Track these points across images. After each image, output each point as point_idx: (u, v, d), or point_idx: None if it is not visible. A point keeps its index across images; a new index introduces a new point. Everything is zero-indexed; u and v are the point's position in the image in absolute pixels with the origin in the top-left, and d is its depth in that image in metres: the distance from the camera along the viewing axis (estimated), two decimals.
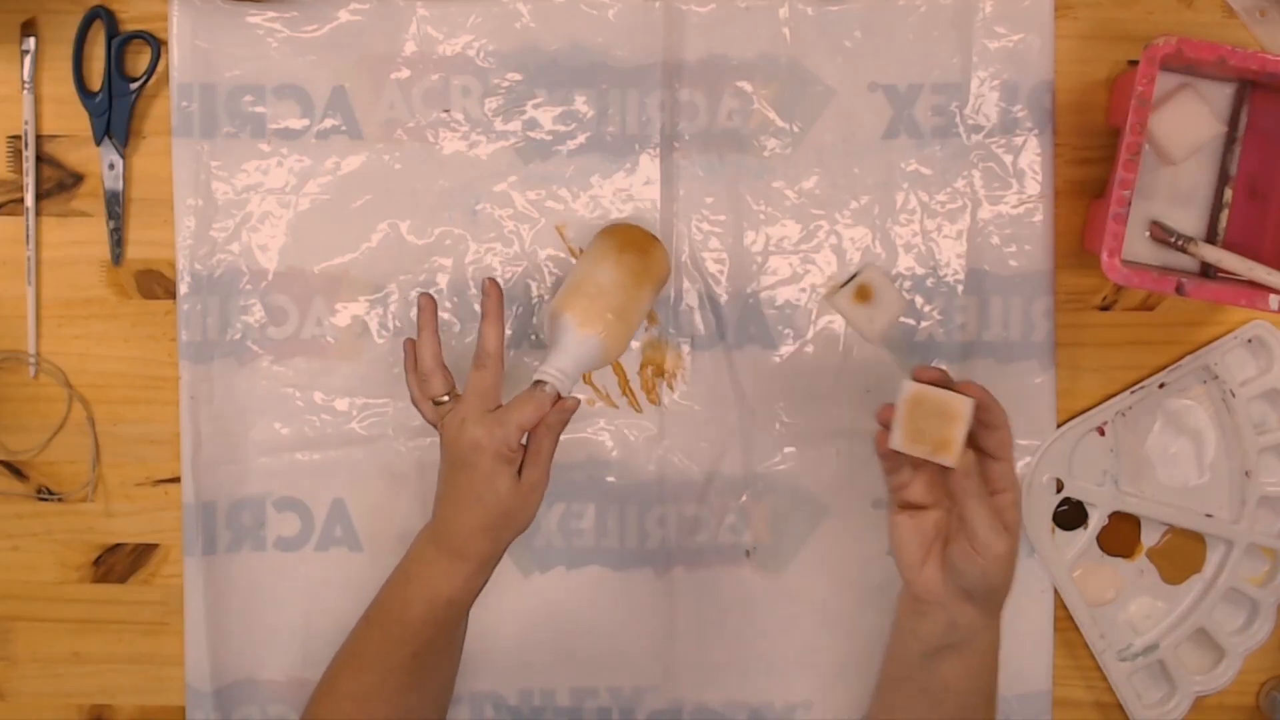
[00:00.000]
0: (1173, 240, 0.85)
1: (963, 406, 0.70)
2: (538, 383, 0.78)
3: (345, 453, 0.90)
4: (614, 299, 0.80)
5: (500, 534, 0.77)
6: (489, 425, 0.76)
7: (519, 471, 0.77)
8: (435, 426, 0.81)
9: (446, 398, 0.80)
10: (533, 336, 0.89)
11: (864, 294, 0.88)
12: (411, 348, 0.82)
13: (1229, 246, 0.85)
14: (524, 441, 0.77)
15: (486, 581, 0.79)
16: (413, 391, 0.82)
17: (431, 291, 0.89)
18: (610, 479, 0.90)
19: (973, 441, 0.71)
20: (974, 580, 0.71)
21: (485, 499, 0.75)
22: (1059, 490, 0.89)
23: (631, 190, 0.89)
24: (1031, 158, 0.88)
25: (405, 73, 0.88)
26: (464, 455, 0.76)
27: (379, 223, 0.89)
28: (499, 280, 0.87)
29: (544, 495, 0.78)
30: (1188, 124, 0.85)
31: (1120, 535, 0.90)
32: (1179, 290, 0.80)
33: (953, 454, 0.70)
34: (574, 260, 0.89)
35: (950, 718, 0.75)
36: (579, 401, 0.79)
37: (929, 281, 0.89)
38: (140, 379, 0.90)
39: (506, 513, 0.76)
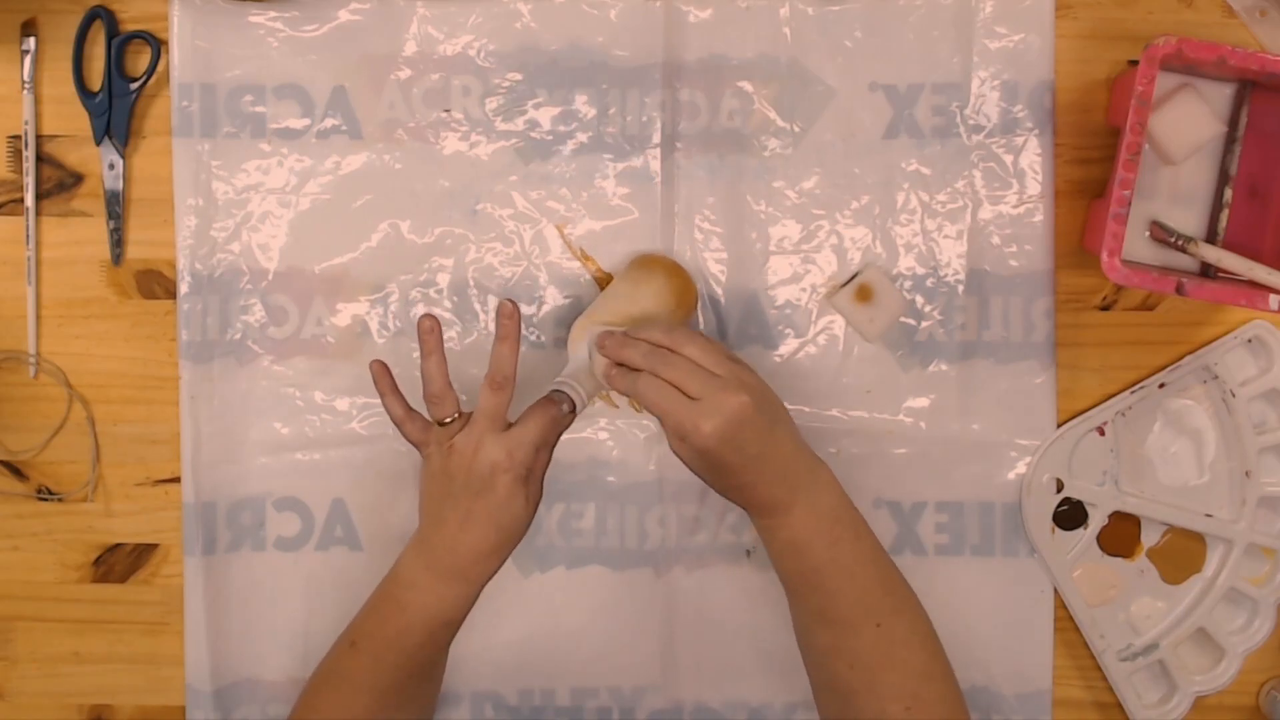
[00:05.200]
0: (1173, 240, 0.85)
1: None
2: (554, 392, 0.78)
3: (345, 453, 0.90)
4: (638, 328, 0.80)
5: (506, 554, 0.78)
6: (507, 447, 0.75)
7: None
8: (419, 447, 0.80)
9: (452, 419, 0.79)
10: (532, 337, 0.89)
11: (864, 294, 0.88)
12: (381, 370, 0.81)
13: (1229, 246, 0.85)
14: None
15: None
16: (394, 412, 0.80)
17: (431, 292, 0.89)
18: (610, 479, 0.90)
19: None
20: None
21: (502, 521, 0.76)
22: (1059, 490, 0.89)
23: (632, 190, 0.89)
24: (1031, 158, 0.88)
25: (406, 72, 0.88)
26: (481, 478, 0.75)
27: (379, 222, 0.89)
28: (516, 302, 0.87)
29: (538, 503, 0.79)
30: (1188, 124, 0.85)
31: (1120, 535, 0.90)
32: (1179, 290, 0.80)
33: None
34: (574, 258, 0.89)
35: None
36: (573, 418, 0.79)
37: (929, 281, 0.89)
38: (140, 379, 0.90)
39: (517, 534, 0.77)
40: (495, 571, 0.78)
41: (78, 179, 0.89)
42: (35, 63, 0.88)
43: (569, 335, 0.82)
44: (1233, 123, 0.86)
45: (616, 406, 0.90)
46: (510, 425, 0.77)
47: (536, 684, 0.91)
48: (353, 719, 0.77)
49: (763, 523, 0.77)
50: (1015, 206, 0.89)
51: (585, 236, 0.89)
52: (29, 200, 0.89)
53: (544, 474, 0.79)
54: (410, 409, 0.81)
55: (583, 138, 0.89)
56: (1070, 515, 0.90)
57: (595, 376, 0.80)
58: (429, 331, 0.79)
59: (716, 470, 0.75)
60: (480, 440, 0.76)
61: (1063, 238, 0.89)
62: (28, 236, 0.89)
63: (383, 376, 0.81)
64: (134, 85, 0.88)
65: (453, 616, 0.78)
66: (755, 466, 0.74)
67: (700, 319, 0.89)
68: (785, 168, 0.89)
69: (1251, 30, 0.88)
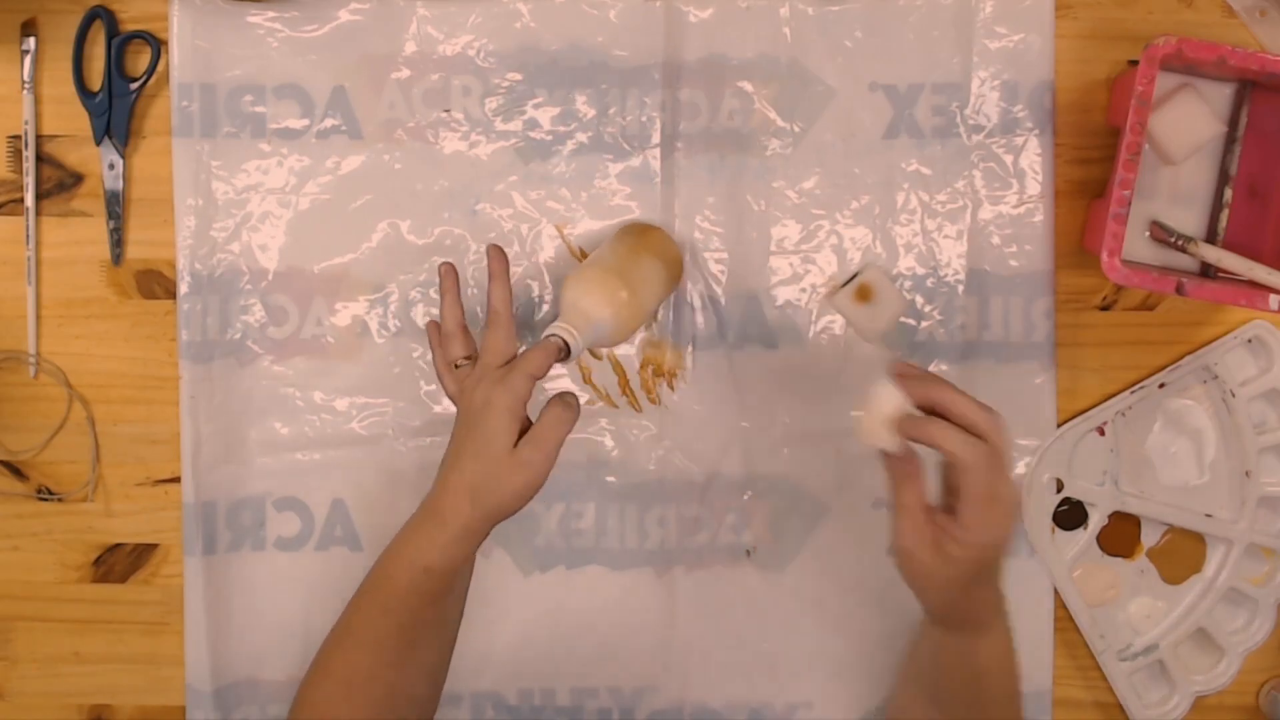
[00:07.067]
0: (1173, 240, 0.85)
1: (881, 391, 0.73)
2: (548, 337, 0.77)
3: (345, 453, 0.90)
4: (631, 283, 0.79)
5: (480, 499, 0.74)
6: (499, 377, 0.75)
7: (518, 440, 0.74)
8: (454, 401, 0.81)
9: (466, 361, 0.80)
10: (531, 338, 0.89)
11: (864, 294, 0.88)
12: (435, 328, 0.83)
13: (1229, 246, 0.85)
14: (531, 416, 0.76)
15: (470, 560, 0.77)
16: (437, 363, 0.83)
17: (431, 292, 0.89)
18: (610, 479, 0.90)
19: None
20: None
21: (480, 455, 0.74)
22: (1059, 490, 0.89)
23: (632, 190, 0.89)
24: (1031, 158, 0.88)
25: (405, 73, 0.88)
26: (475, 412, 0.75)
27: (379, 222, 0.89)
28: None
29: (536, 483, 0.74)
30: (1188, 124, 0.85)
31: (1120, 535, 0.90)
32: (1179, 290, 0.80)
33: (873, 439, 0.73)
34: (574, 258, 0.89)
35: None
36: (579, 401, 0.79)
37: (929, 281, 0.89)
38: (140, 379, 0.90)
39: (492, 475, 0.73)
40: (470, 519, 0.73)
41: (78, 179, 0.89)
42: (35, 63, 0.88)
43: (562, 287, 0.80)
44: (1233, 123, 0.86)
45: (616, 406, 0.90)
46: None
47: (536, 684, 0.91)
48: (353, 675, 0.77)
49: (952, 638, 0.75)
50: (1015, 206, 0.89)
51: (585, 236, 0.89)
52: (29, 200, 0.89)
53: (552, 449, 0.74)
54: (451, 364, 0.82)
55: (582, 138, 0.89)
56: (1070, 515, 0.90)
57: (591, 324, 0.77)
58: (446, 274, 0.83)
59: (974, 570, 0.71)
60: (481, 376, 0.77)
61: (1063, 238, 0.89)
62: (28, 236, 0.89)
63: (435, 332, 0.84)
64: (134, 85, 0.88)
65: (432, 563, 0.74)
66: (989, 577, 0.73)
67: (700, 319, 0.89)
68: (785, 168, 0.89)
69: (1251, 30, 0.88)
